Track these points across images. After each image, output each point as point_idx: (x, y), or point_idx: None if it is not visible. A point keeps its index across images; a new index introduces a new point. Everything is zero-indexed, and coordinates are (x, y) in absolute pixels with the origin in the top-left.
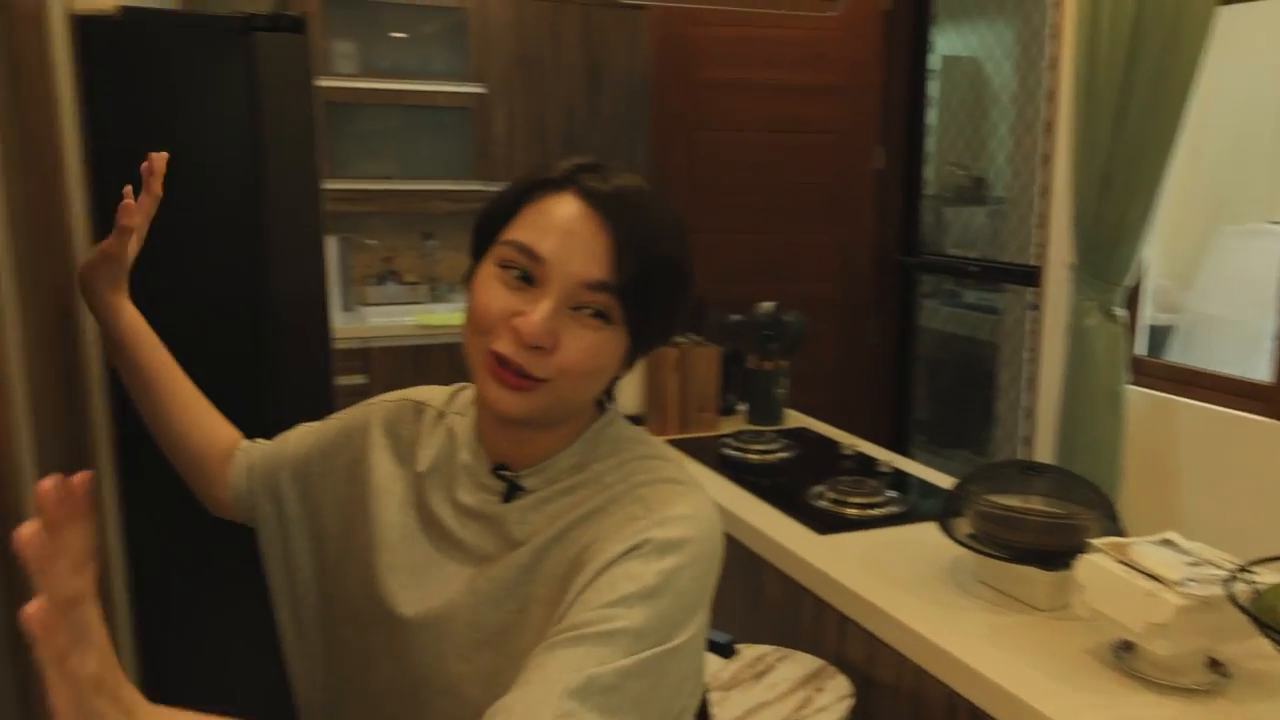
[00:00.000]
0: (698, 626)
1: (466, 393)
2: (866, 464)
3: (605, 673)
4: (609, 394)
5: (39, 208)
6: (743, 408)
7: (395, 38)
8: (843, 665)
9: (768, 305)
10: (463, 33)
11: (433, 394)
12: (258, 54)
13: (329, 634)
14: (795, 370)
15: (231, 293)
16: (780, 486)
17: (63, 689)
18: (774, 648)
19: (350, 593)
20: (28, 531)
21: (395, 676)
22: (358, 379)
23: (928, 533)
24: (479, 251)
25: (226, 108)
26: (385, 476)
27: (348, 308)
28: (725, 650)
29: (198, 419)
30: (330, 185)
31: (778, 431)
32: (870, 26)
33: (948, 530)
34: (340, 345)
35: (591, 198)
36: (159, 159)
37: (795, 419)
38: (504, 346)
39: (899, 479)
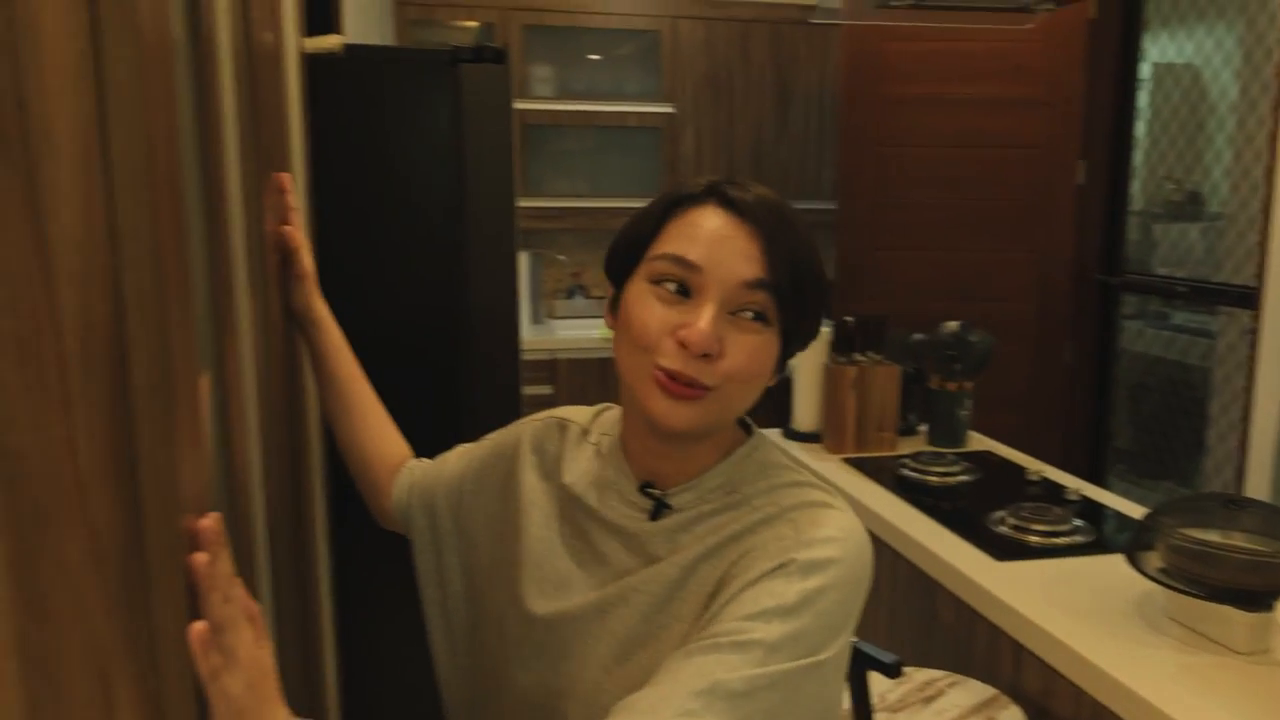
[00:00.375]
0: (838, 649)
1: (610, 413)
2: (1053, 491)
3: (733, 679)
4: (750, 416)
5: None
6: (924, 429)
7: (590, 61)
8: (1017, 696)
9: (952, 324)
10: (655, 54)
11: (577, 413)
12: (462, 84)
13: (475, 642)
14: (983, 392)
15: (432, 303)
16: (959, 510)
17: (216, 703)
18: (945, 673)
19: (496, 603)
20: (200, 559)
21: (535, 685)
22: (544, 389)
23: (1116, 565)
24: (623, 272)
25: (433, 133)
26: (532, 491)
27: (537, 320)
28: (892, 670)
29: (375, 431)
30: (523, 203)
31: (959, 454)
32: (1073, 36)
33: (1135, 563)
34: (528, 356)
35: (734, 205)
36: (286, 178)
37: (979, 442)
38: (671, 361)
39: (1088, 508)
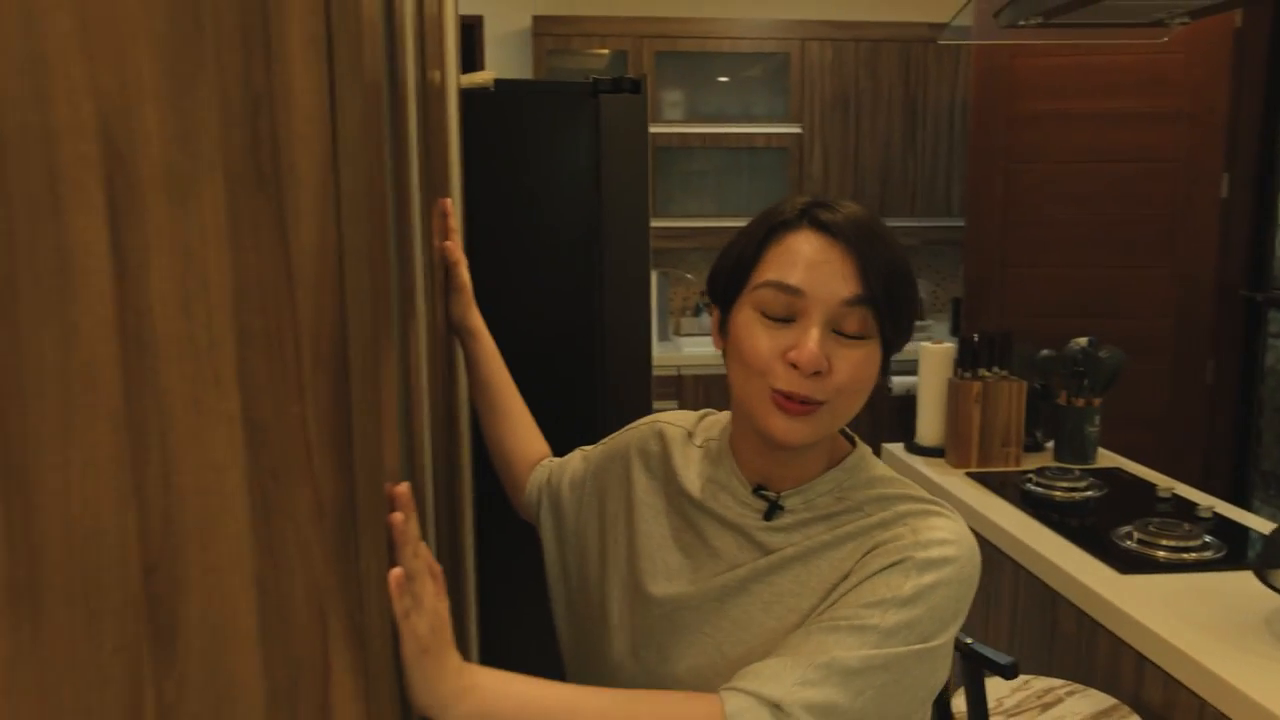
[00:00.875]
0: (946, 639)
1: (713, 418)
2: (1184, 508)
3: (849, 657)
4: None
5: (435, 247)
6: (1051, 445)
7: (719, 85)
8: (1137, 707)
9: (1081, 340)
10: (783, 76)
11: (680, 417)
12: (601, 113)
13: (597, 626)
14: (1117, 411)
15: (570, 320)
16: (1084, 525)
17: (405, 641)
18: (1065, 682)
19: (615, 592)
20: (397, 518)
21: (653, 669)
22: (670, 404)
23: (1247, 582)
24: (727, 297)
25: (574, 160)
26: (643, 491)
27: (664, 337)
28: (1008, 671)
29: (519, 432)
30: (653, 224)
31: (1087, 470)
32: (1218, 46)
33: (1264, 579)
34: (657, 372)
35: (827, 228)
36: (447, 203)
37: (1108, 459)
38: (786, 383)
39: (1221, 525)
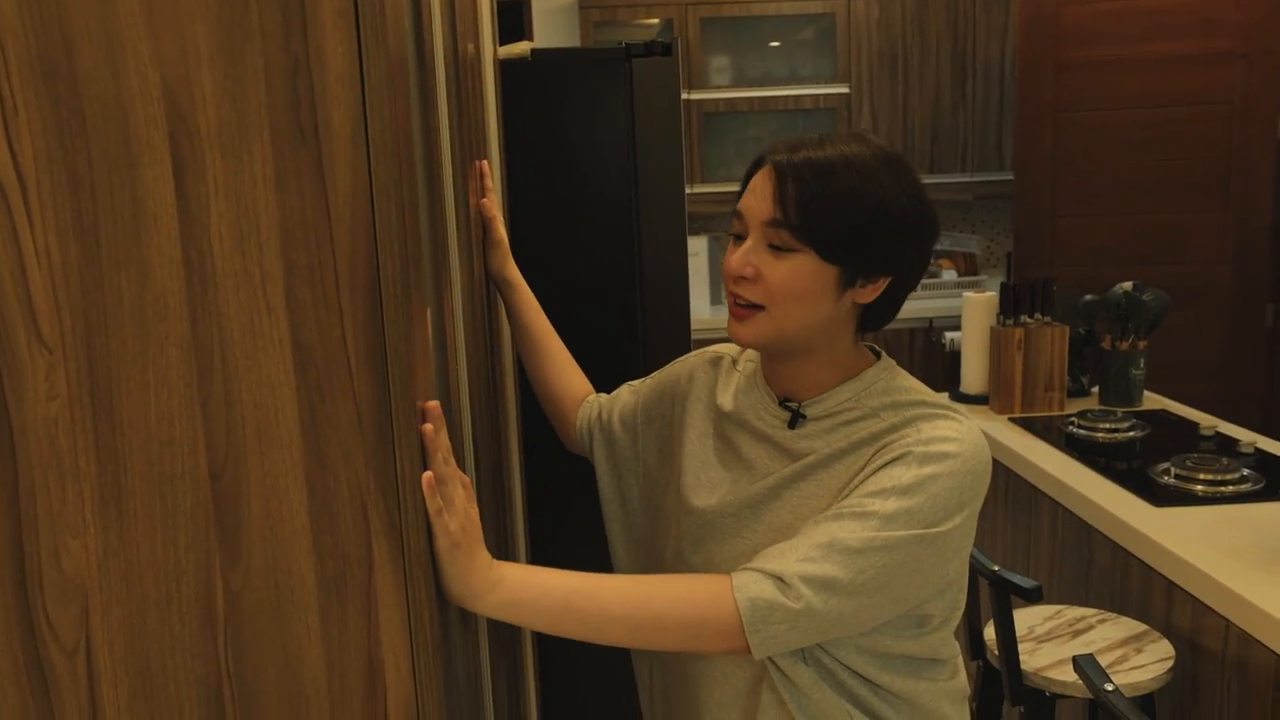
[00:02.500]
0: (950, 528)
1: None
2: (1227, 445)
3: (850, 539)
4: (920, 378)
5: (476, 215)
6: (1097, 391)
7: (765, 49)
8: (1167, 632)
9: (1125, 285)
10: (830, 36)
11: (728, 348)
12: (634, 77)
13: (652, 539)
14: (1171, 358)
15: (608, 275)
16: (1125, 465)
17: (438, 537)
18: (1097, 611)
19: (668, 506)
20: (428, 429)
21: (702, 564)
22: None
23: None
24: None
25: (610, 124)
26: (692, 415)
27: (716, 301)
28: (1033, 595)
29: (562, 371)
30: (703, 189)
31: (1131, 412)
32: None
33: None
34: (708, 336)
35: (772, 163)
36: (484, 164)
37: (1154, 402)
38: (730, 290)
39: (1264, 460)
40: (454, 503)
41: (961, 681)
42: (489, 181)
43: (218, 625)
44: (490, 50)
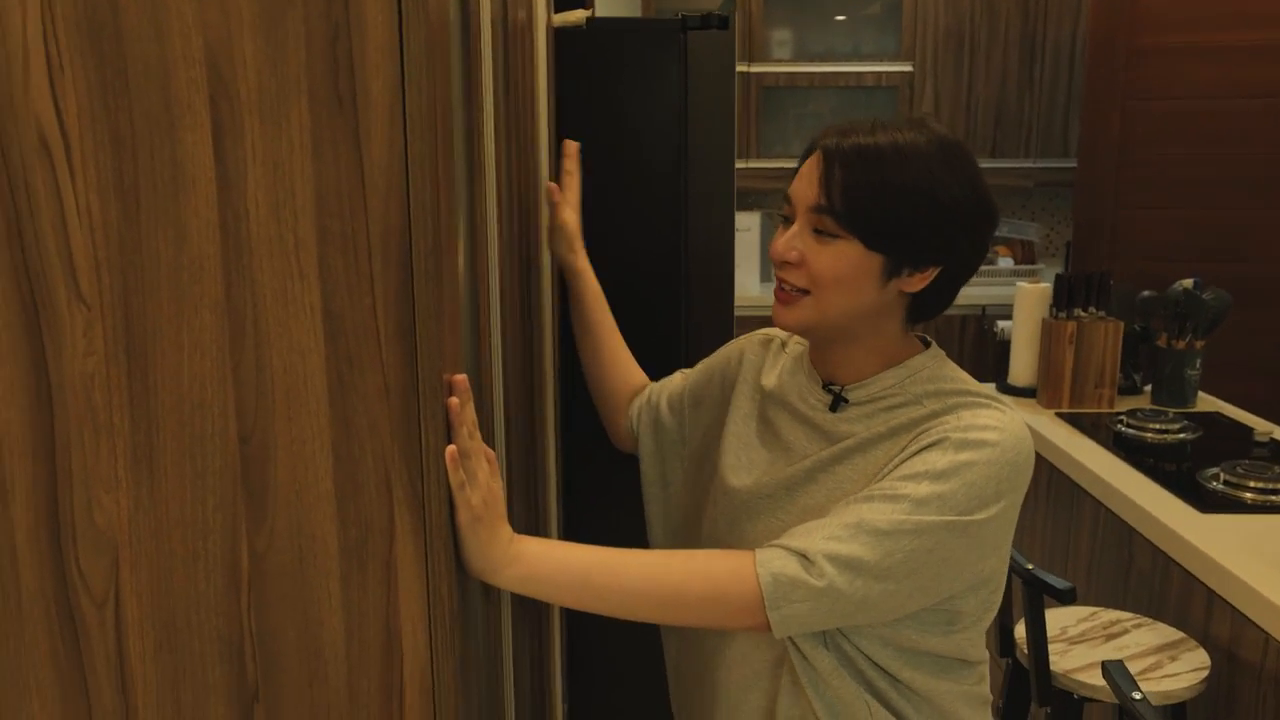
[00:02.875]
0: (986, 518)
1: None
2: None
3: (878, 520)
4: (968, 369)
5: (520, 189)
6: (1150, 389)
7: (828, 24)
8: (1204, 641)
9: (1185, 282)
10: (895, 13)
11: (779, 330)
12: (688, 49)
13: (688, 522)
14: (1235, 360)
15: (654, 249)
16: (1173, 467)
17: (460, 510)
18: (1133, 615)
19: (709, 487)
20: (454, 402)
21: (731, 546)
22: None
23: None
24: None
25: (663, 96)
26: (738, 397)
27: (766, 278)
28: (1066, 595)
29: (619, 364)
30: (758, 164)
31: (1183, 413)
32: None
33: None
34: (757, 314)
35: (823, 148)
36: (570, 145)
37: (1209, 404)
38: (777, 275)
39: None
40: (477, 477)
41: (986, 689)
42: (569, 163)
43: (242, 585)
44: (543, 17)
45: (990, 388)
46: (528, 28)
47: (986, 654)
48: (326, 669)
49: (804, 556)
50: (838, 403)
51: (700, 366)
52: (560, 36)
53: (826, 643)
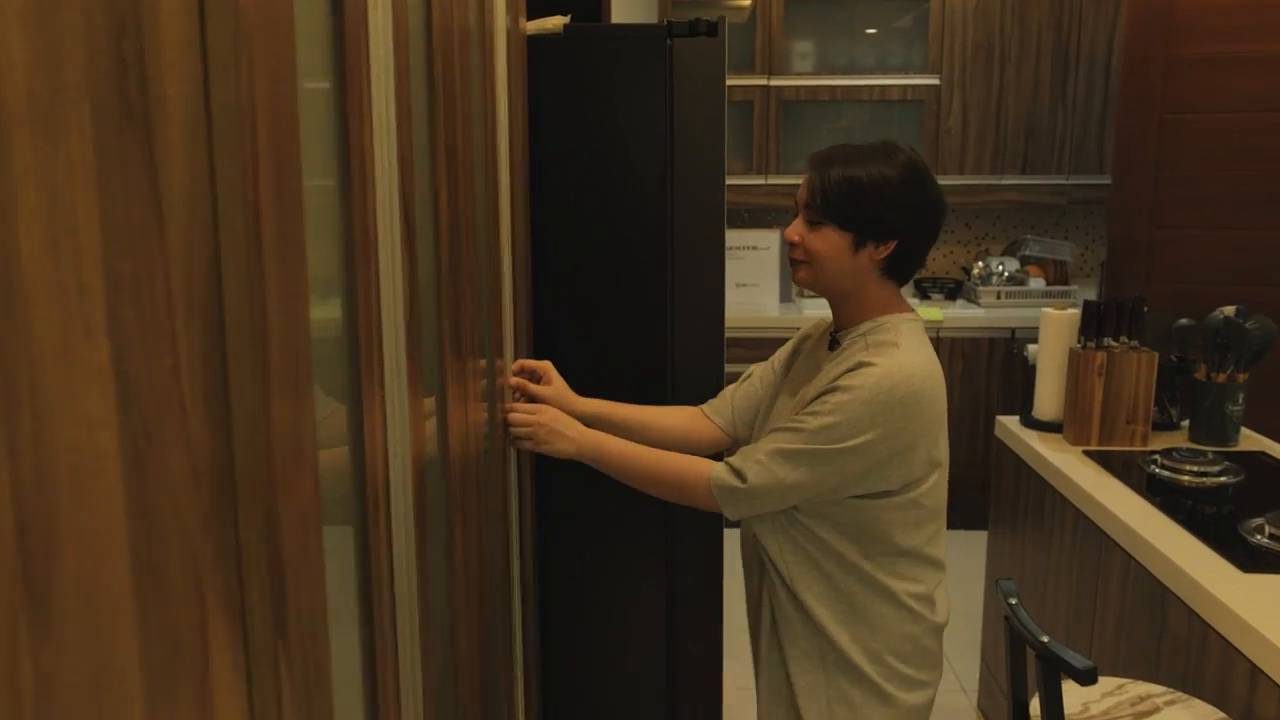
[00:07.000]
0: (861, 442)
1: None
2: None
3: (787, 447)
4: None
5: (465, 212)
6: (1187, 425)
7: (851, 35)
8: None
9: (1227, 310)
10: (922, 25)
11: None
12: (674, 58)
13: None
14: (1274, 390)
15: (638, 265)
16: (1211, 515)
17: (516, 410)
18: (1167, 690)
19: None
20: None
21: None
22: None
23: None
24: None
25: (646, 107)
26: (787, 380)
27: (785, 299)
28: (1084, 676)
29: (667, 429)
30: (776, 181)
31: (1224, 453)
32: None
33: None
34: (773, 335)
35: (810, 162)
36: (522, 366)
37: (1252, 442)
38: (789, 251)
39: None
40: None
41: (937, 620)
42: (513, 379)
43: (23, 716)
44: (506, 23)
45: (925, 343)
46: (481, 33)
47: (939, 577)
48: None
49: (737, 471)
50: (833, 344)
51: (771, 362)
52: (536, 45)
53: (776, 528)
